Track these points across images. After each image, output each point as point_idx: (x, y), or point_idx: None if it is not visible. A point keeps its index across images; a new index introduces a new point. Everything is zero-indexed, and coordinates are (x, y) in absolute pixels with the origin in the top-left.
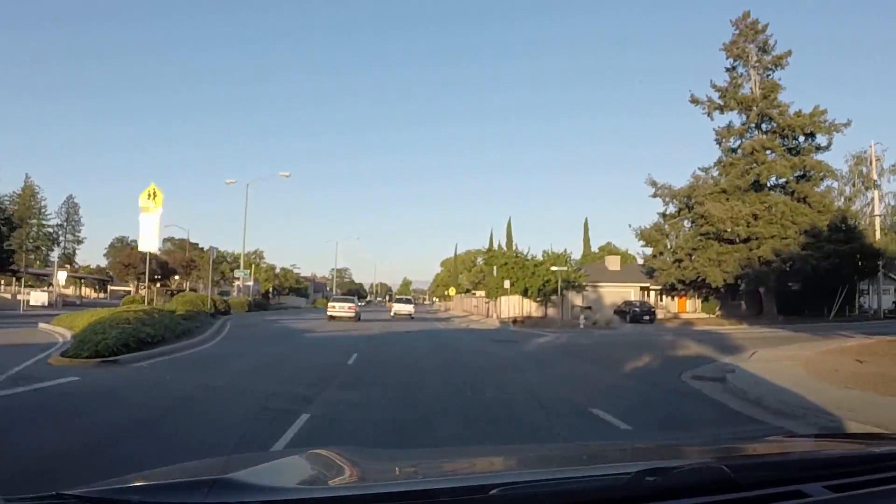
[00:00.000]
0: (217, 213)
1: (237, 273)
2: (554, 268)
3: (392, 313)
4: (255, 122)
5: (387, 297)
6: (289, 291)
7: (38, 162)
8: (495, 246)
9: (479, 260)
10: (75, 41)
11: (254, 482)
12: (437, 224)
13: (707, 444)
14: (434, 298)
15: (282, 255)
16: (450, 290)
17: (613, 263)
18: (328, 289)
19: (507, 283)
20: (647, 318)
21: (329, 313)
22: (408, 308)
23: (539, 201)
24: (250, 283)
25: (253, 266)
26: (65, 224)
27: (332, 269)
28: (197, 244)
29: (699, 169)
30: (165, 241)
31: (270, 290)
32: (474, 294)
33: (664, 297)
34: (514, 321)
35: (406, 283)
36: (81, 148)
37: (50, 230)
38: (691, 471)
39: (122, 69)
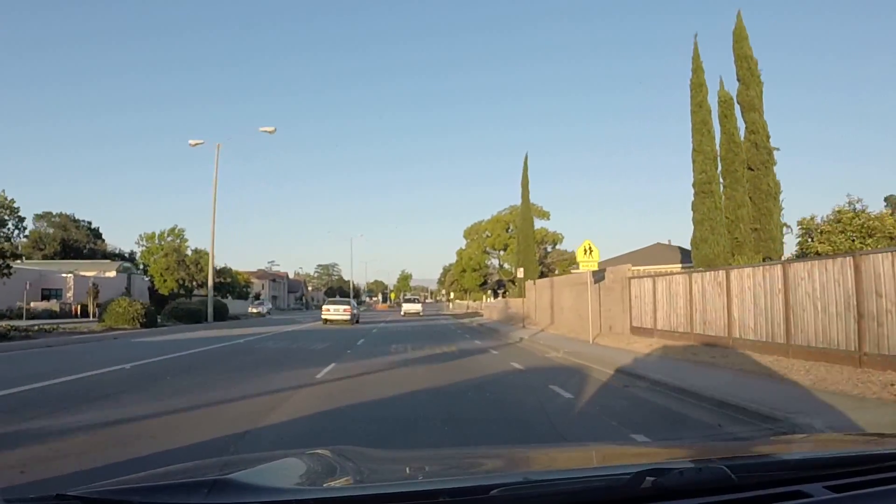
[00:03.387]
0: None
1: None
2: None
3: (402, 313)
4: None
5: (380, 297)
6: (207, 288)
7: None
8: None
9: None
10: None
11: (254, 482)
12: (438, 213)
13: (707, 444)
14: (449, 293)
15: (267, 254)
16: (518, 271)
17: None
18: (308, 287)
19: None
20: None
21: (323, 316)
22: (416, 307)
23: None
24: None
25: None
26: None
27: (270, 257)
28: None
29: None
30: (39, 217)
31: (192, 285)
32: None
33: None
34: None
35: (405, 277)
36: None
37: None
38: (691, 471)
39: None
